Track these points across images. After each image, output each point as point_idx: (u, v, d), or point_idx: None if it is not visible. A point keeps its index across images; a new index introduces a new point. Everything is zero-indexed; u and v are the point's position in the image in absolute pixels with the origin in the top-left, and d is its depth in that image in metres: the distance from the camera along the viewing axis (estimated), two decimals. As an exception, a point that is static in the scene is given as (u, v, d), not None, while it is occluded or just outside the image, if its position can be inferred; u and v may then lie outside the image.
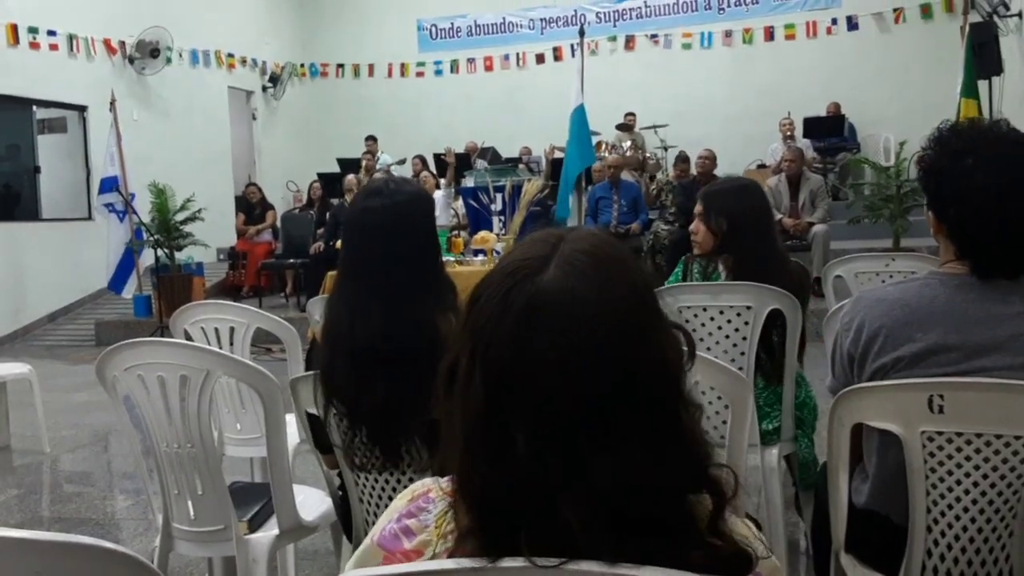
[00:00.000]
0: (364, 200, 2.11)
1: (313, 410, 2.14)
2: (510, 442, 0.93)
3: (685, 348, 1.01)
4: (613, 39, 14.95)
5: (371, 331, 1.99)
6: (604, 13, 15.10)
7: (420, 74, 16.08)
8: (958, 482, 1.82)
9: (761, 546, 1.01)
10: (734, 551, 0.96)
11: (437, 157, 12.68)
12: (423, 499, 1.09)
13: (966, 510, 1.82)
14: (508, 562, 0.91)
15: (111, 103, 10.65)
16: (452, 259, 6.91)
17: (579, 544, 0.90)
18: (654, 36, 14.80)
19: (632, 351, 0.94)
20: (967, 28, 9.47)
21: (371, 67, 16.23)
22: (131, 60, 12.55)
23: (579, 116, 9.01)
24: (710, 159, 9.99)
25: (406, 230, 2.04)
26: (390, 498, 2.02)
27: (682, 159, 10.80)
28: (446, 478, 1.07)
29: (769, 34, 14.17)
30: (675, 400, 0.97)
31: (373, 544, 1.08)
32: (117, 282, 10.47)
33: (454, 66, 15.93)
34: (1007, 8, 10.02)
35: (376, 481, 2.13)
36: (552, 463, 0.92)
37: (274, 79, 15.61)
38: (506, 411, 0.94)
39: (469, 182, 10.17)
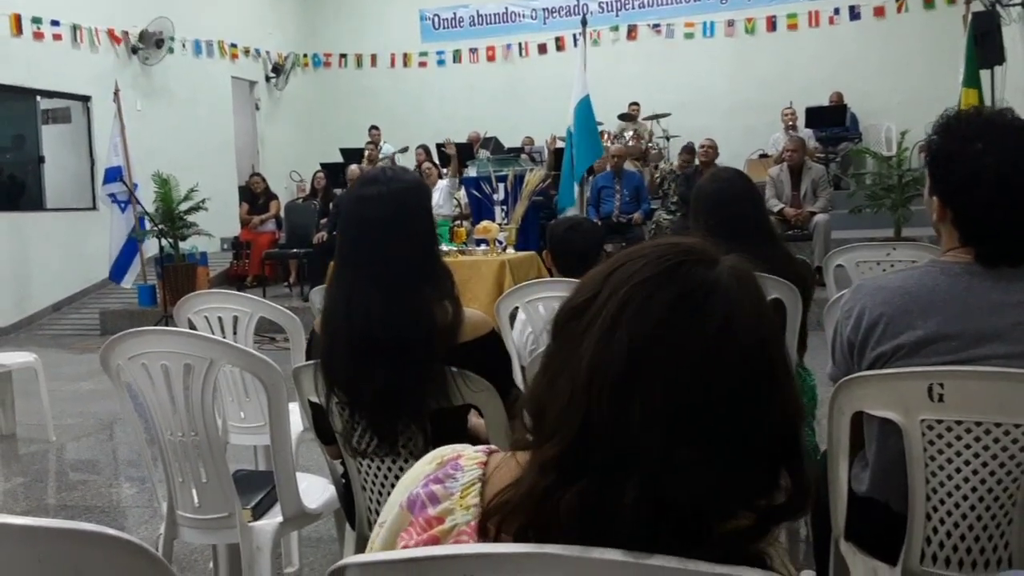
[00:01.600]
0: (360, 189, 2.12)
1: (315, 399, 2.15)
2: (625, 410, 0.92)
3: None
4: (615, 29, 14.92)
5: (369, 320, 2.00)
6: (606, 3, 15.07)
7: (423, 64, 16.06)
8: (958, 470, 1.83)
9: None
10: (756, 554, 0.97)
11: (439, 148, 12.68)
12: (451, 465, 1.07)
13: (965, 498, 1.83)
14: (534, 548, 0.91)
15: (115, 93, 10.64)
16: (455, 248, 6.92)
17: (615, 524, 0.90)
18: (656, 26, 14.77)
19: (769, 373, 0.95)
20: (969, 17, 9.44)
21: (374, 57, 16.21)
22: (135, 50, 12.54)
23: (585, 108, 8.99)
24: (712, 148, 9.99)
25: (403, 219, 2.05)
26: (392, 485, 2.03)
27: (687, 149, 10.78)
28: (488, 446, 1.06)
29: (771, 24, 14.13)
30: (787, 440, 0.97)
31: (403, 509, 1.07)
32: (118, 272, 10.47)
33: (456, 56, 15.90)
34: (1010, -3, 9.99)
35: (379, 468, 2.14)
36: (652, 443, 0.91)
37: (277, 69, 15.58)
38: (640, 378, 0.92)
39: (472, 172, 10.15)
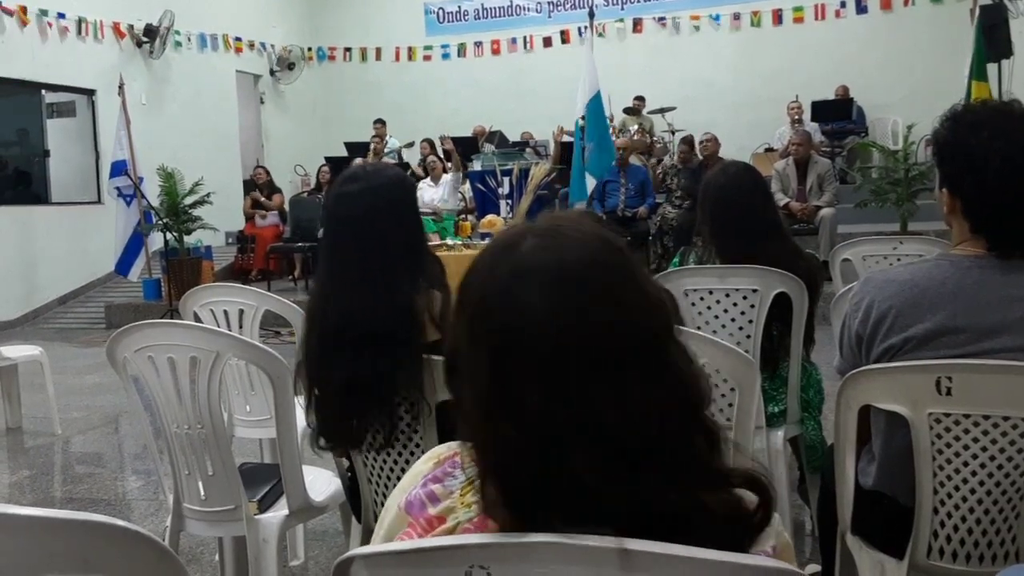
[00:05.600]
0: (340, 186, 2.15)
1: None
2: (520, 404, 0.95)
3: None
4: (621, 22, 14.88)
5: (343, 315, 2.03)
6: (612, -4, 15.04)
7: (427, 58, 16.03)
8: (965, 463, 1.82)
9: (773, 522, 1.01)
10: (747, 477, 0.99)
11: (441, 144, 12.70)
12: (449, 463, 1.08)
13: (973, 491, 1.83)
14: (537, 537, 0.92)
15: (120, 87, 10.66)
16: (460, 242, 6.92)
17: (598, 496, 0.92)
18: (662, 19, 14.72)
19: (617, 288, 0.98)
20: (977, 10, 9.39)
21: (378, 51, 16.19)
22: (139, 44, 12.54)
23: (596, 105, 8.94)
24: (713, 142, 9.98)
25: (381, 214, 2.07)
26: (398, 479, 2.03)
27: (686, 142, 10.76)
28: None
29: (777, 17, 14.08)
30: (664, 335, 1.00)
31: (400, 511, 1.08)
32: (124, 265, 10.51)
33: (461, 50, 15.87)
34: (1018, -10, 9.94)
35: (384, 462, 2.14)
36: (562, 413, 0.94)
37: (286, 64, 15.54)
38: (512, 374, 0.95)
39: (477, 166, 10.15)
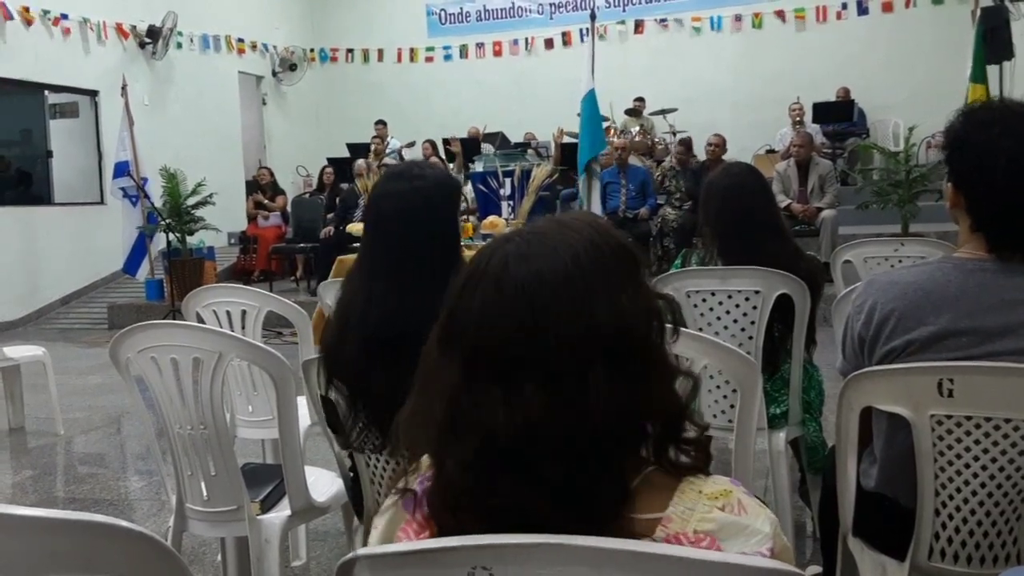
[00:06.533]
0: (386, 184, 2.11)
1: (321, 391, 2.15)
2: (486, 407, 0.98)
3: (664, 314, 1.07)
4: (622, 23, 14.87)
5: (385, 317, 1.99)
6: (614, -3, 15.04)
7: (429, 59, 16.03)
8: (967, 466, 1.82)
9: (770, 525, 1.02)
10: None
11: (445, 146, 12.68)
12: None
13: (974, 493, 1.82)
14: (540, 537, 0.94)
15: (122, 88, 10.67)
16: (462, 243, 6.91)
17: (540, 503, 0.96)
18: (663, 20, 14.72)
19: (581, 300, 1.00)
20: (978, 12, 9.39)
21: (380, 52, 16.20)
22: (142, 45, 12.55)
23: (590, 101, 8.97)
24: (719, 145, 9.95)
25: (427, 217, 2.03)
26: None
27: (684, 144, 10.75)
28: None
29: (779, 18, 14.08)
30: (638, 344, 1.02)
31: (399, 509, 1.09)
32: (132, 265, 10.55)
33: (463, 51, 15.88)
34: (1020, -8, 9.93)
35: (387, 462, 2.14)
36: (524, 415, 0.97)
37: (283, 63, 15.55)
38: (480, 378, 0.99)
39: (478, 167, 10.13)
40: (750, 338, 2.99)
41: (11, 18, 10.66)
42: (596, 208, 9.03)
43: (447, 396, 1.01)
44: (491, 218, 7.32)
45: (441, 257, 2.04)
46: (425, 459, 1.11)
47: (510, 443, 0.97)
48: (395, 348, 1.98)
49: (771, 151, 12.19)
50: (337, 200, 11.24)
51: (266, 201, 12.64)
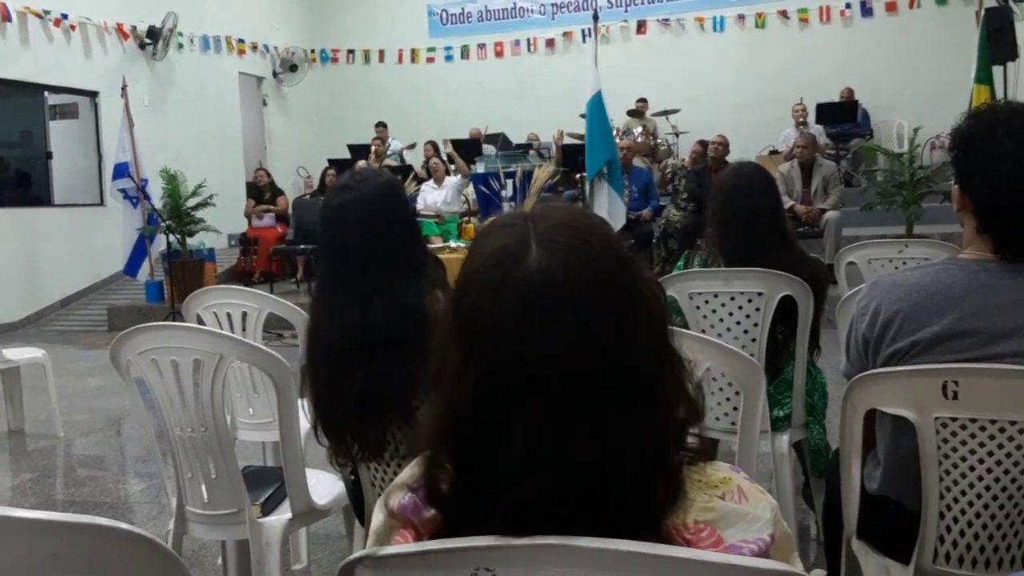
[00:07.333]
0: (334, 197, 2.13)
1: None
2: (499, 429, 0.96)
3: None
4: (624, 23, 14.87)
5: (347, 328, 2.01)
6: (616, -3, 15.04)
7: (430, 60, 16.04)
8: (971, 468, 1.81)
9: (770, 511, 1.02)
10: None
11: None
12: None
13: (979, 496, 1.82)
14: (542, 539, 0.93)
15: (123, 89, 10.67)
16: (463, 245, 6.91)
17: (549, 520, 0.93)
18: (666, 20, 14.72)
19: (626, 312, 0.96)
20: (982, 13, 9.38)
21: (381, 53, 16.21)
22: (142, 46, 12.56)
23: (597, 104, 8.93)
24: (723, 145, 9.94)
25: (377, 221, 2.05)
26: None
27: (700, 143, 10.73)
28: None
29: (782, 19, 14.09)
30: (663, 354, 1.00)
31: (390, 516, 1.08)
32: (132, 266, 10.55)
33: (464, 52, 15.88)
34: (1024, -8, 9.92)
35: (388, 465, 2.13)
36: (542, 444, 0.94)
37: (284, 64, 15.55)
38: (500, 399, 0.96)
39: (480, 168, 10.13)
40: (753, 340, 2.98)
41: (10, 19, 10.66)
42: (603, 212, 8.99)
43: (467, 404, 0.98)
44: (492, 219, 7.31)
45: (402, 255, 2.05)
46: (412, 467, 1.10)
47: (540, 456, 0.95)
48: (362, 356, 2.00)
49: (774, 152, 12.17)
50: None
51: (258, 208, 12.57)
